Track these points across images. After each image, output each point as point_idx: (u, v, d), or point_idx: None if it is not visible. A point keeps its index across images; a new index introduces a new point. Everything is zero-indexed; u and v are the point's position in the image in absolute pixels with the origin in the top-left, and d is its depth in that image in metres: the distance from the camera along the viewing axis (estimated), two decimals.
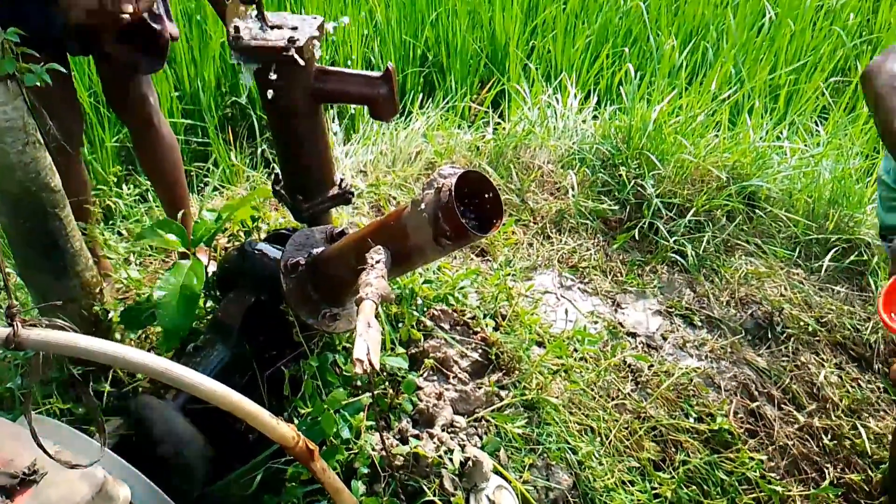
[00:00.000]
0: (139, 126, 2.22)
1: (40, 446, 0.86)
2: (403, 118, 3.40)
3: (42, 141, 1.51)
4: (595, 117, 3.39)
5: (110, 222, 2.73)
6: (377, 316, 1.24)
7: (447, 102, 3.63)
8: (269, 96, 1.60)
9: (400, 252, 1.31)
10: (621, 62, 3.93)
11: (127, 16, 1.71)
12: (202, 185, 3.15)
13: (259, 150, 3.36)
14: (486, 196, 1.29)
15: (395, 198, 2.76)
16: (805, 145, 3.39)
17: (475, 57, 4.13)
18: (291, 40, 1.51)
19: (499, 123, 3.38)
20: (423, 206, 1.23)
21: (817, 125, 3.62)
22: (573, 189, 2.90)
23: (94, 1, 1.67)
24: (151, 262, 2.39)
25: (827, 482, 2.16)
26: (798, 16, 4.21)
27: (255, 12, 1.59)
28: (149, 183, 2.83)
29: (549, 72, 4.06)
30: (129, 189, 2.95)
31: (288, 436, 1.09)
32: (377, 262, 1.26)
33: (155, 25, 1.98)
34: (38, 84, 1.42)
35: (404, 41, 4.11)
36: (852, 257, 2.84)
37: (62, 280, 1.67)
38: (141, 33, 1.96)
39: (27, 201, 1.52)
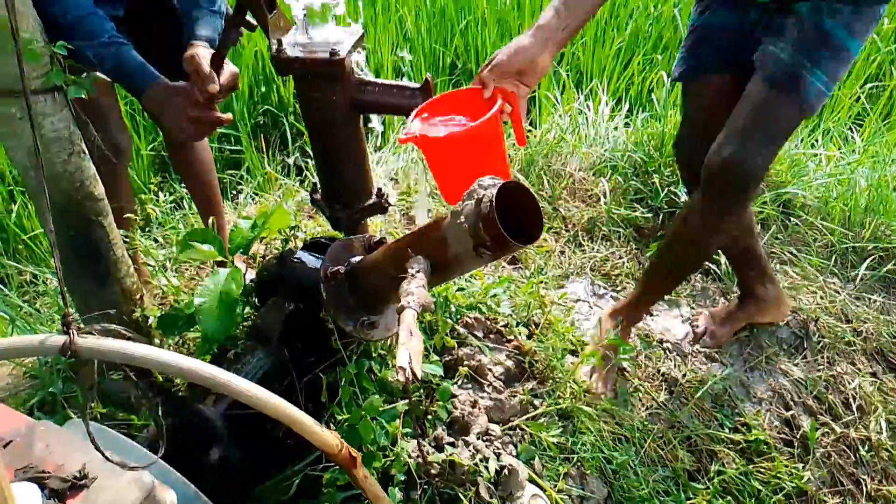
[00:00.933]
0: None
1: (98, 450, 0.88)
2: None
3: (86, 151, 1.54)
4: (627, 124, 3.37)
5: (146, 229, 2.77)
6: None
7: None
8: (309, 107, 1.62)
9: (439, 262, 1.32)
10: (652, 68, 3.92)
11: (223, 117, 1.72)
12: (235, 192, 3.19)
13: (291, 159, 3.39)
14: (525, 206, 1.29)
15: None
16: (841, 152, 3.35)
17: None
18: (333, 52, 1.53)
19: (529, 131, 3.38)
20: (462, 216, 1.24)
21: (853, 132, 3.58)
22: (605, 197, 2.89)
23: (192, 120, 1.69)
24: (187, 269, 2.42)
25: (864, 494, 2.13)
26: None
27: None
28: (184, 191, 2.87)
29: (580, 79, 4.05)
30: (164, 196, 2.99)
31: (331, 442, 1.10)
32: (417, 271, 1.26)
33: None
34: (84, 96, 1.45)
35: (434, 49, 4.13)
36: (889, 266, 2.80)
37: (104, 287, 1.70)
38: None
39: (71, 210, 1.55)
